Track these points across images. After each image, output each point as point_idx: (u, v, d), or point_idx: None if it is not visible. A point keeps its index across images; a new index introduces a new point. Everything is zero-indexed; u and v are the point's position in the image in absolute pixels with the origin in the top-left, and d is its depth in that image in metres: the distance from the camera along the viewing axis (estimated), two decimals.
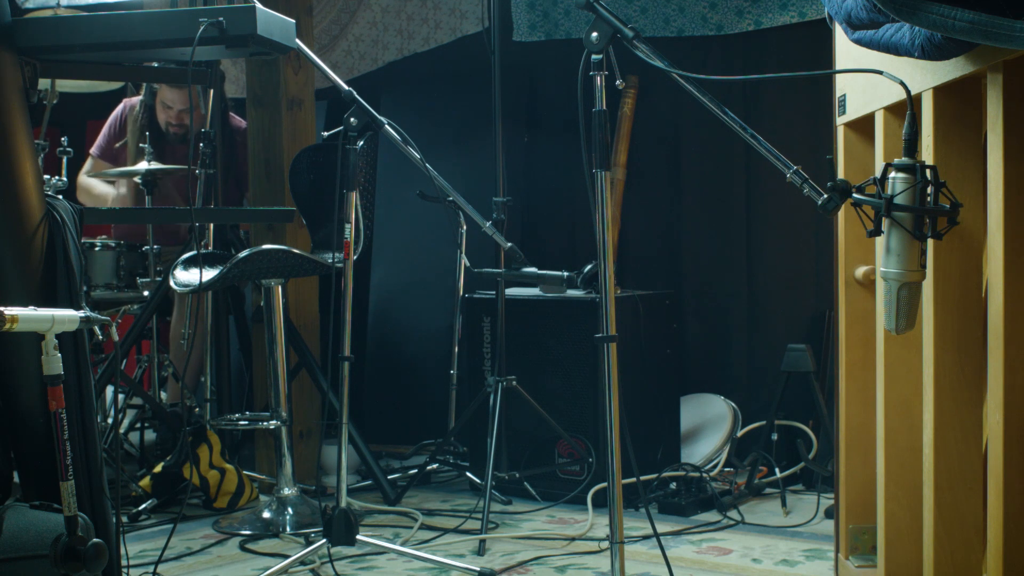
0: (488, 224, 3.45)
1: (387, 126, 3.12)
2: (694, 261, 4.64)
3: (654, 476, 3.77)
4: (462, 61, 4.94)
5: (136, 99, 4.61)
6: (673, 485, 3.73)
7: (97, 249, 4.03)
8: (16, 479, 2.38)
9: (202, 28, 2.34)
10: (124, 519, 3.59)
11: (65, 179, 3.73)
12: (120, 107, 4.65)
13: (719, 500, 3.61)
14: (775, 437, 3.87)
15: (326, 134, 3.14)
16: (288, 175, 4.01)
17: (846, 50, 2.40)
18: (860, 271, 2.57)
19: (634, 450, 2.50)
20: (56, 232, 2.26)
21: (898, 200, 1.87)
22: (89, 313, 1.95)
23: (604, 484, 3.61)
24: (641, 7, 4.53)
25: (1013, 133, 1.78)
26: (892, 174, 1.89)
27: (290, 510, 3.54)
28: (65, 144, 3.90)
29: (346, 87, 3.13)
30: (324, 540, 2.98)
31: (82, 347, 2.24)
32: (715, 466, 4.07)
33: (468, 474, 4.07)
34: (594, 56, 2.33)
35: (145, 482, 3.78)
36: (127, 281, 4.06)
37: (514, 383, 3.69)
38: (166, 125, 4.51)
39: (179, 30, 2.39)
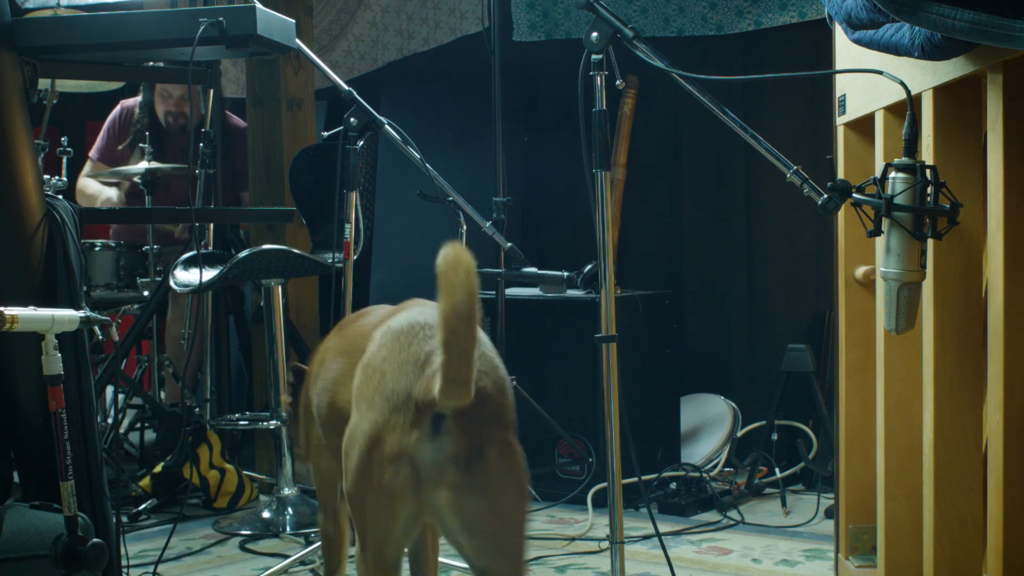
0: (488, 224, 3.44)
1: (387, 126, 3.11)
2: (694, 261, 4.64)
3: (654, 476, 3.77)
4: (462, 61, 4.94)
5: (133, 100, 4.60)
6: (673, 485, 3.73)
7: (97, 249, 4.03)
8: (16, 479, 2.38)
9: (202, 28, 2.34)
10: (124, 519, 3.59)
11: (65, 179, 3.74)
12: (117, 109, 4.65)
13: (719, 500, 3.61)
14: (775, 437, 3.87)
15: (326, 134, 3.14)
16: (288, 175, 4.01)
17: (846, 50, 2.40)
18: (860, 271, 2.57)
19: (634, 450, 2.50)
20: (56, 232, 2.26)
21: (898, 200, 1.87)
22: (89, 313, 1.95)
23: (604, 484, 3.61)
24: (641, 7, 4.53)
25: (1013, 133, 1.78)
26: (892, 174, 1.89)
27: (290, 510, 3.54)
28: (65, 144, 3.91)
29: (346, 87, 3.13)
30: None
31: (82, 347, 2.24)
32: (715, 466, 4.07)
33: None
34: (594, 56, 2.33)
35: (145, 482, 3.78)
36: (127, 281, 4.06)
37: (514, 383, 3.68)
38: (165, 116, 4.50)
39: (179, 30, 2.39)
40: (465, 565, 3.03)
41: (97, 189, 4.60)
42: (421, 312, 1.92)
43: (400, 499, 1.70)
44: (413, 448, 1.68)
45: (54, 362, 1.86)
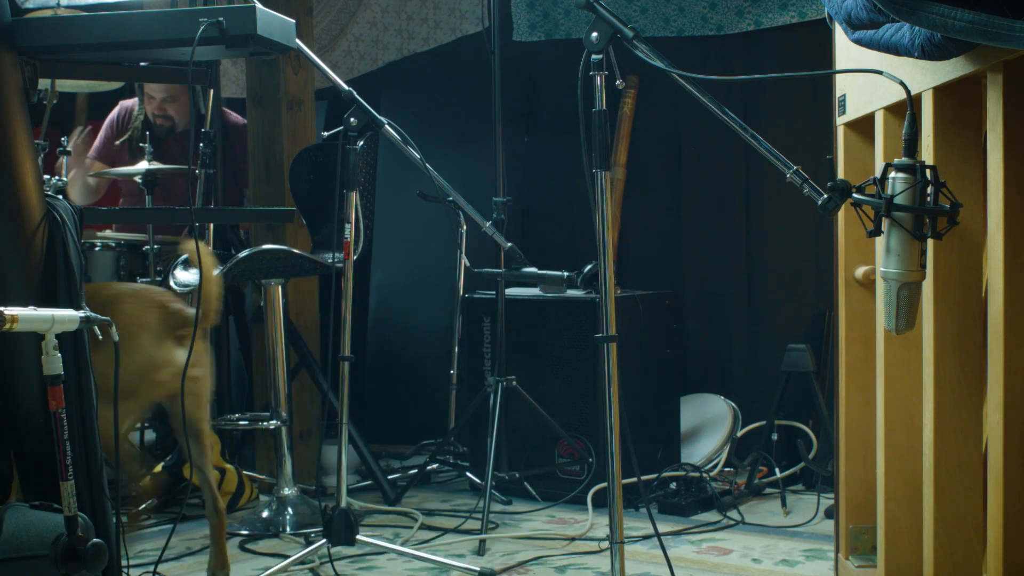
0: (488, 224, 3.45)
1: (387, 126, 3.11)
2: (694, 261, 4.64)
3: (654, 476, 3.77)
4: (462, 61, 4.94)
5: (132, 100, 4.61)
6: (673, 485, 3.73)
7: (97, 249, 4.03)
8: (16, 479, 2.38)
9: (202, 28, 2.34)
10: (124, 519, 3.59)
11: (65, 179, 3.74)
12: (116, 109, 4.65)
13: (719, 500, 3.61)
14: (775, 437, 3.87)
15: (326, 134, 3.14)
16: (288, 175, 4.01)
17: (846, 50, 2.40)
18: (860, 271, 2.57)
19: (634, 450, 2.50)
20: (56, 232, 2.26)
21: (898, 200, 1.87)
22: (89, 313, 1.95)
23: (604, 484, 3.61)
24: (641, 7, 4.53)
25: (1013, 133, 1.78)
26: (892, 174, 1.89)
27: (290, 510, 3.54)
28: (65, 144, 3.90)
29: (346, 87, 3.13)
30: (324, 540, 2.99)
31: (82, 347, 2.24)
32: (715, 466, 4.07)
33: (468, 474, 4.07)
34: (594, 56, 2.33)
35: (145, 482, 3.78)
36: (127, 281, 4.06)
37: (514, 383, 3.69)
38: (153, 117, 4.51)
39: (179, 30, 2.38)
40: (465, 565, 3.04)
41: (75, 171, 4.57)
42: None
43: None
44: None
45: (54, 362, 1.86)
